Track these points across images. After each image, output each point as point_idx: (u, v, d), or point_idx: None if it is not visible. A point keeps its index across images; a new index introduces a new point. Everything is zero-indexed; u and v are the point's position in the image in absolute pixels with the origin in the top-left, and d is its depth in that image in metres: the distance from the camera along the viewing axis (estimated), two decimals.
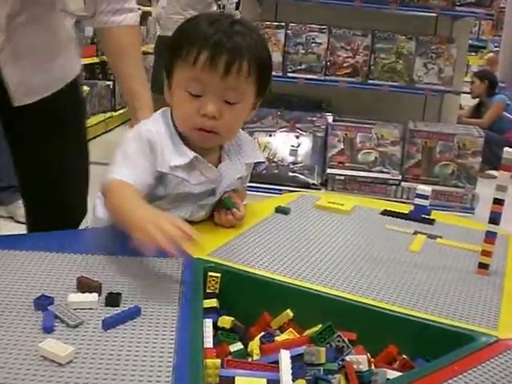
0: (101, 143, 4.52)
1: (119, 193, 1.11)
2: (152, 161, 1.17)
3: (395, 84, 3.54)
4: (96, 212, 1.32)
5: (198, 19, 1.19)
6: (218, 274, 1.03)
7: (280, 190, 3.36)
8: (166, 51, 1.24)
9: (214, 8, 5.03)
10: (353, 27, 3.53)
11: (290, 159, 3.57)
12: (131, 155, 1.17)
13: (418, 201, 1.44)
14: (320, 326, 0.93)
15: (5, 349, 0.77)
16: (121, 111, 5.97)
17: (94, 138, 4.85)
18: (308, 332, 0.95)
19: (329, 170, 3.55)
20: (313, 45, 3.53)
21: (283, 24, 3.54)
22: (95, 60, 5.51)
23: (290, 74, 3.57)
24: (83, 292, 0.92)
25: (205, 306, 0.97)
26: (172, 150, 1.19)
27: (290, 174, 3.54)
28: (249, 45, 1.15)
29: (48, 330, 0.82)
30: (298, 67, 3.56)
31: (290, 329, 0.96)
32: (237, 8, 5.04)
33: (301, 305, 0.99)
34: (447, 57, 3.50)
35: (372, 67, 3.54)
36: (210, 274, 1.03)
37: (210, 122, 1.16)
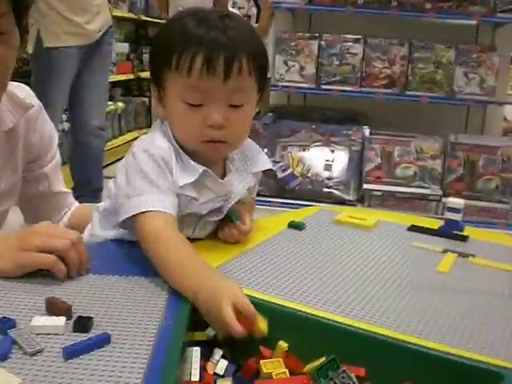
0: None
1: (171, 245, 0.97)
2: (171, 180, 1.05)
3: (434, 95, 3.37)
4: (94, 228, 1.21)
5: (183, 19, 1.07)
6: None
7: (314, 206, 3.23)
8: (151, 57, 1.13)
9: None
10: (389, 36, 3.39)
11: (325, 174, 3.44)
12: (153, 178, 1.03)
13: (449, 215, 1.29)
14: (322, 359, 0.80)
15: None
16: None
17: None
18: (308, 367, 0.82)
19: (365, 186, 3.40)
20: (347, 55, 3.40)
21: (316, 35, 3.42)
22: (131, 77, 5.50)
23: (323, 86, 3.44)
24: (52, 314, 0.81)
25: (195, 338, 0.84)
26: (179, 167, 1.07)
27: (325, 189, 3.40)
28: (245, 38, 1.04)
29: (1, 357, 0.71)
30: (333, 79, 3.43)
31: (279, 359, 0.82)
32: (256, 21, 4.96)
33: (300, 334, 0.86)
34: (489, 66, 3.33)
35: (410, 78, 3.39)
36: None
37: (218, 132, 1.05)
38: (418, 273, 1.07)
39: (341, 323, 0.85)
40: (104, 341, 0.75)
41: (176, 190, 1.06)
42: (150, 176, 1.03)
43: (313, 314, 0.87)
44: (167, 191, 1.03)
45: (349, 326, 0.85)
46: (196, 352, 0.82)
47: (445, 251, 1.19)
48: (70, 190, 1.45)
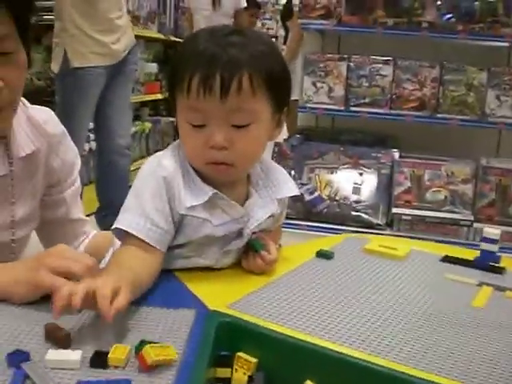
0: None
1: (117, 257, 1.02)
2: (167, 203, 1.03)
3: (466, 118, 3.30)
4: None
5: (193, 38, 1.05)
6: (254, 360, 0.85)
7: (342, 230, 3.18)
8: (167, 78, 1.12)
9: None
10: (420, 58, 3.33)
11: (353, 197, 3.38)
12: (143, 198, 1.03)
13: (484, 246, 1.24)
14: None
15: None
16: None
17: None
18: None
19: (394, 210, 3.33)
20: (377, 77, 3.35)
21: (345, 56, 3.39)
22: (159, 97, 5.51)
23: (352, 108, 3.39)
24: (53, 343, 0.78)
25: (218, 375, 0.80)
26: (187, 188, 1.04)
27: (353, 213, 3.34)
28: (250, 56, 0.99)
29: None
30: (362, 101, 3.38)
31: None
32: (284, 43, 4.95)
33: (329, 373, 0.81)
34: None
35: (441, 100, 3.32)
36: (241, 355, 0.85)
37: (221, 153, 1.01)
38: (452, 307, 1.01)
39: (372, 363, 0.80)
40: None
41: (181, 211, 1.03)
42: (141, 197, 1.03)
43: (341, 353, 0.82)
44: (155, 214, 1.02)
45: (380, 366, 0.80)
46: None
47: (480, 284, 1.13)
48: (87, 218, 1.42)
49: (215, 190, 1.04)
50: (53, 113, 1.28)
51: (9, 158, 1.17)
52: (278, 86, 1.03)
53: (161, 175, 1.03)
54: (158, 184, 1.03)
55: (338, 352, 0.82)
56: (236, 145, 1.01)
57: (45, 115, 1.25)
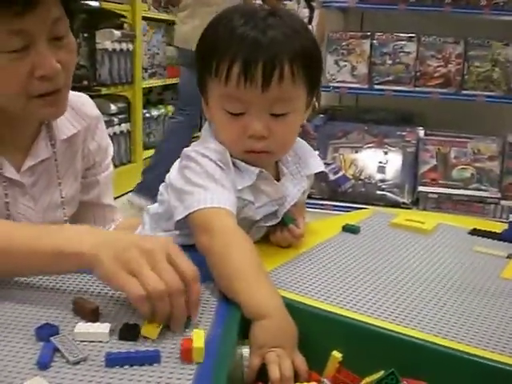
0: None
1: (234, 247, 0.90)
2: (233, 181, 1.01)
3: (492, 94, 3.25)
4: (144, 231, 1.18)
5: (229, 17, 1.00)
6: None
7: (367, 209, 3.15)
8: (195, 58, 1.07)
9: None
10: (443, 34, 3.29)
11: (378, 177, 3.36)
12: (217, 177, 0.98)
13: None
14: (381, 373, 0.74)
15: None
16: None
17: None
18: (366, 381, 0.76)
19: (420, 188, 3.30)
20: (401, 54, 3.31)
21: (368, 34, 3.35)
22: None
23: (376, 86, 3.36)
24: (82, 317, 0.79)
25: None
26: (235, 170, 1.03)
27: (378, 192, 3.32)
28: (286, 37, 0.96)
29: (43, 365, 0.68)
30: (386, 78, 3.35)
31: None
32: (309, 22, 4.89)
33: (356, 344, 0.80)
34: None
35: (466, 76, 3.28)
36: None
37: (260, 142, 1.00)
38: (482, 279, 1.00)
39: (400, 333, 0.79)
40: (152, 358, 0.70)
41: (235, 193, 1.02)
42: (212, 175, 0.99)
43: (369, 324, 0.82)
44: (230, 190, 0.99)
45: (409, 336, 0.79)
46: (246, 352, 0.79)
47: (509, 256, 1.11)
48: (116, 206, 1.43)
49: (260, 168, 1.03)
50: (88, 97, 1.29)
51: (51, 140, 1.18)
52: (313, 69, 1.02)
53: (218, 158, 1.01)
54: (220, 166, 1.00)
55: (365, 322, 0.82)
56: (275, 133, 1.00)
57: (82, 98, 1.27)
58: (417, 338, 0.79)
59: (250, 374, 0.78)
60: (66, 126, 1.20)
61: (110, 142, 1.36)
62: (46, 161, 1.17)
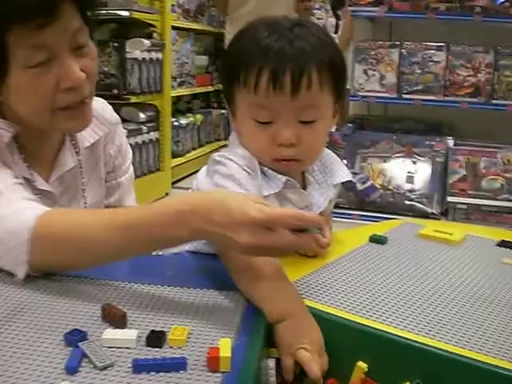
0: None
1: None
2: (258, 188, 1.02)
3: None
4: None
5: (254, 29, 1.02)
6: None
7: (395, 219, 3.13)
8: (221, 70, 1.10)
9: None
10: (473, 43, 3.26)
11: (407, 187, 3.33)
12: (243, 182, 0.99)
13: None
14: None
15: None
16: None
17: None
18: None
19: (449, 199, 3.27)
20: (430, 63, 3.29)
21: (397, 43, 3.33)
22: (210, 89, 5.55)
23: (405, 96, 3.35)
24: (110, 323, 0.80)
25: (271, 355, 0.81)
26: (263, 177, 1.04)
27: (407, 202, 3.30)
28: (315, 49, 0.98)
29: (71, 370, 0.69)
30: (415, 88, 3.33)
31: None
32: (335, 32, 4.90)
33: (381, 355, 0.80)
34: None
35: (496, 86, 3.24)
36: None
37: (289, 150, 1.01)
38: (510, 291, 0.98)
39: (426, 345, 0.79)
40: (179, 366, 0.71)
41: None
42: (239, 180, 1.00)
43: (395, 335, 0.81)
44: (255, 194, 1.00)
45: (435, 348, 0.78)
46: (271, 362, 0.79)
47: None
48: None
49: (287, 177, 1.04)
50: (105, 101, 1.31)
51: (75, 148, 1.20)
52: (339, 77, 1.03)
53: (245, 164, 1.02)
54: (247, 172, 1.02)
55: (391, 333, 0.82)
56: (304, 141, 1.01)
57: (100, 104, 1.28)
58: (443, 350, 0.78)
59: (288, 375, 0.80)
60: (88, 132, 1.22)
61: (129, 146, 1.38)
62: (72, 169, 1.19)
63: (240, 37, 1.05)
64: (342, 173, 1.16)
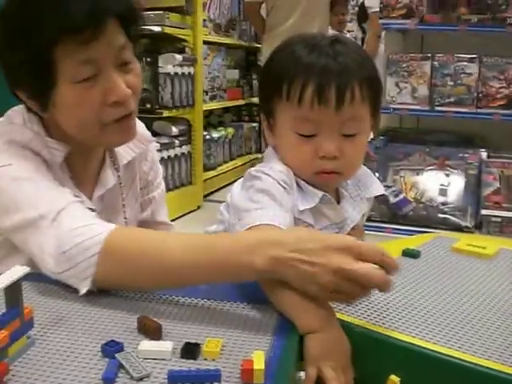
0: None
1: None
2: (293, 202, 1.03)
3: None
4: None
5: (292, 46, 1.04)
6: None
7: (429, 233, 3.10)
8: (259, 85, 1.12)
9: None
10: (506, 55, 3.23)
11: (440, 199, 3.31)
12: (277, 197, 1.00)
13: None
14: None
15: None
16: None
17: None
18: None
19: (483, 211, 3.24)
20: (462, 75, 3.27)
21: (429, 55, 3.32)
22: (241, 102, 5.59)
23: (437, 108, 3.34)
24: (145, 335, 0.81)
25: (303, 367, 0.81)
26: (299, 191, 1.06)
27: (440, 215, 3.27)
28: (356, 64, 1.01)
29: (108, 381, 0.71)
30: (447, 100, 3.32)
31: None
32: (362, 43, 4.91)
33: (414, 370, 0.80)
34: None
35: None
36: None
37: (331, 162, 1.03)
38: None
39: (459, 359, 0.79)
40: (213, 377, 0.72)
41: (295, 215, 1.04)
42: (273, 195, 1.01)
43: (428, 349, 0.81)
44: (289, 211, 1.01)
45: (468, 362, 0.78)
46: (303, 375, 0.80)
47: None
48: (172, 223, 1.46)
49: (323, 192, 1.05)
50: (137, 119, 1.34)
51: (114, 165, 1.23)
52: (377, 91, 1.06)
53: (281, 178, 1.03)
54: (283, 186, 1.03)
55: (424, 347, 0.81)
56: (345, 154, 1.03)
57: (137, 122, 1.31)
58: (477, 365, 0.78)
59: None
60: (125, 150, 1.24)
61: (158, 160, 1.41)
62: (113, 187, 1.22)
63: (280, 53, 1.07)
64: (376, 186, 1.17)
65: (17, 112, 1.11)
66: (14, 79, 1.07)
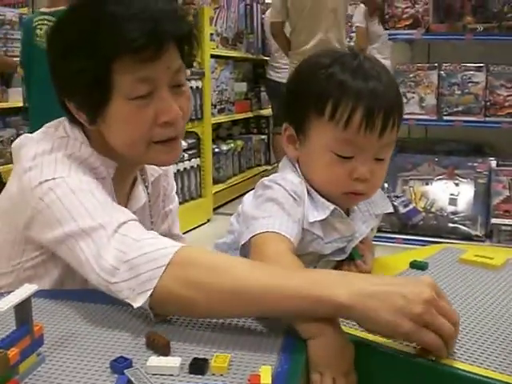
0: None
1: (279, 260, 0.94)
2: (303, 213, 1.04)
3: None
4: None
5: (325, 63, 1.04)
6: None
7: (439, 243, 3.10)
8: (288, 99, 1.11)
9: None
10: None
11: (450, 209, 3.29)
12: (286, 207, 1.01)
13: None
14: None
15: None
16: (275, 165, 6.00)
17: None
18: None
19: (493, 220, 3.21)
20: (469, 84, 3.27)
21: (436, 65, 3.33)
22: (250, 115, 5.61)
23: (445, 117, 3.32)
24: (154, 351, 0.82)
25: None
26: (310, 203, 1.06)
27: (450, 224, 3.25)
28: (393, 90, 1.03)
29: None
30: (455, 109, 3.31)
31: None
32: None
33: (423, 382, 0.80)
34: None
35: None
36: None
37: (362, 185, 1.04)
38: None
39: (469, 372, 0.79)
40: None
41: (304, 226, 1.04)
42: (282, 204, 1.02)
43: (438, 362, 0.82)
44: (297, 222, 1.02)
45: (479, 375, 0.78)
46: None
47: None
48: (184, 236, 1.47)
49: (334, 205, 1.06)
50: None
51: (145, 182, 1.25)
52: (402, 115, 1.06)
53: (292, 189, 1.04)
54: (293, 197, 1.04)
55: (433, 361, 0.82)
56: (375, 176, 1.04)
57: None
58: (488, 378, 0.78)
59: None
60: (151, 167, 1.26)
61: None
62: (143, 204, 1.23)
63: (312, 69, 1.06)
64: (385, 204, 1.19)
65: (56, 126, 1.11)
66: (68, 88, 1.07)
